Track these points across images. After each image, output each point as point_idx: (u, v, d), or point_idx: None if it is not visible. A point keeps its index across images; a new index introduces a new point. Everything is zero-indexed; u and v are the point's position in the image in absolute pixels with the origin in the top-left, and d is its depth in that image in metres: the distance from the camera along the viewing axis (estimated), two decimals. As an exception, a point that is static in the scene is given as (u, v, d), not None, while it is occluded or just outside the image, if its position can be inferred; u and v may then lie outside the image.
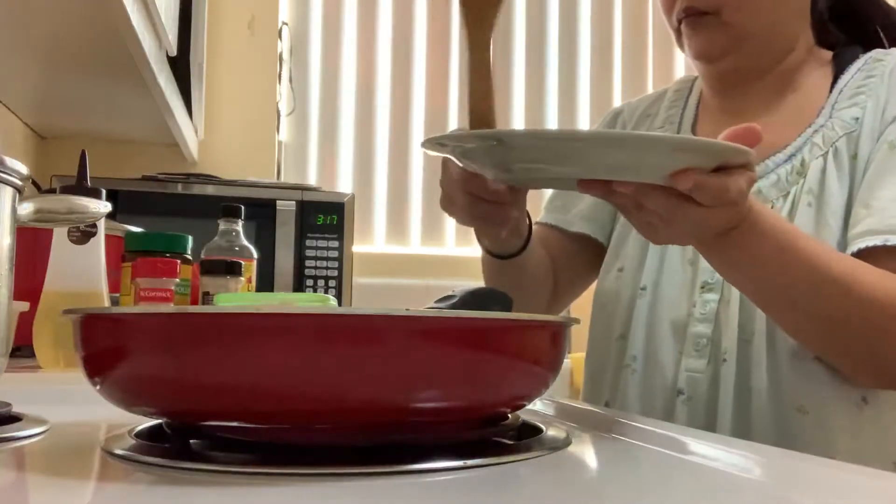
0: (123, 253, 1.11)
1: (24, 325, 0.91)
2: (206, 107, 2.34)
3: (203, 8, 2.22)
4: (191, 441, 0.45)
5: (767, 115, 0.92)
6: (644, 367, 0.91)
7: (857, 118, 0.86)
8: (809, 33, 0.94)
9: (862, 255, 0.77)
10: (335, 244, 1.88)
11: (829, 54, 0.95)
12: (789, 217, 0.84)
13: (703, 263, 0.86)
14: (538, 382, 0.46)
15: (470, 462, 0.40)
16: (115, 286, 1.03)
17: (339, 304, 1.13)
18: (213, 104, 2.36)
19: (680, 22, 0.91)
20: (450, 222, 2.52)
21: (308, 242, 1.87)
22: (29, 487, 0.39)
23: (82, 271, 0.91)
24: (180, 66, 1.89)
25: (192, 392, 0.39)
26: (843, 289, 0.73)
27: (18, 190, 0.56)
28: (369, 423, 0.41)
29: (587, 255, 1.03)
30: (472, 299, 0.73)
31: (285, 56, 2.47)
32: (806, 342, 0.80)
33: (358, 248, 2.05)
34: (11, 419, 0.51)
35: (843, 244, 0.81)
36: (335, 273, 1.87)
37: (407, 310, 0.39)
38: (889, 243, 0.76)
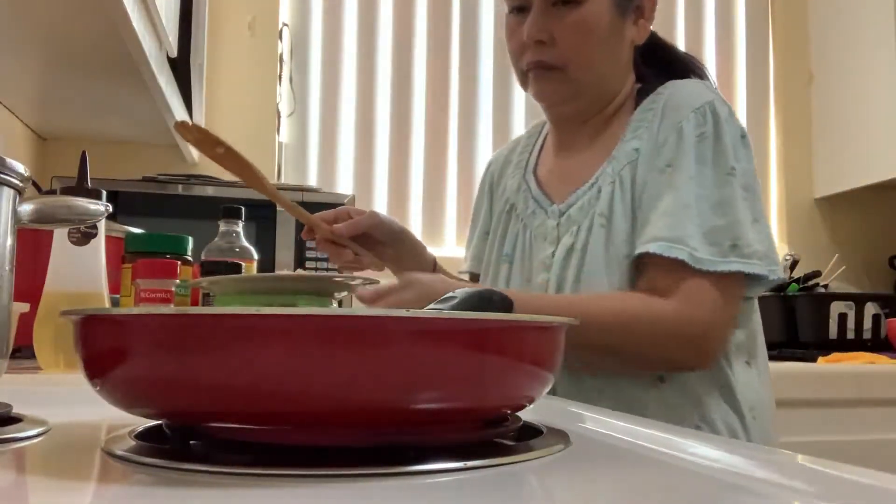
0: (124, 254, 1.11)
1: (25, 327, 0.91)
2: (207, 108, 2.34)
3: (203, 9, 2.22)
4: (191, 442, 0.45)
5: (586, 151, 1.09)
6: None
7: (637, 148, 1.01)
8: (631, 77, 1.11)
9: (638, 264, 0.96)
10: (335, 245, 1.88)
11: (633, 91, 1.10)
12: (587, 236, 1.01)
13: (535, 277, 1.07)
14: (538, 383, 0.46)
15: (470, 463, 0.40)
16: (115, 287, 1.03)
17: (340, 304, 1.14)
18: (214, 105, 2.36)
19: (528, 70, 1.06)
20: (450, 222, 2.52)
21: (308, 243, 1.87)
22: (29, 488, 0.39)
23: (83, 272, 0.91)
24: (180, 67, 1.89)
25: (192, 393, 0.39)
26: (608, 324, 0.92)
27: (19, 191, 0.56)
28: (369, 424, 0.41)
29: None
30: (473, 301, 0.76)
31: (286, 57, 2.47)
32: (606, 368, 0.99)
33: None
34: (12, 420, 0.51)
35: (631, 254, 0.97)
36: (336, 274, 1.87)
37: (407, 311, 0.39)
38: (647, 249, 0.93)
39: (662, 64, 1.13)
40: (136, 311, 0.43)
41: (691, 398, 0.97)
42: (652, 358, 0.96)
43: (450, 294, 0.78)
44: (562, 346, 0.48)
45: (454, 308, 0.72)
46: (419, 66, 2.57)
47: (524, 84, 1.09)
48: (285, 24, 2.48)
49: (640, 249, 0.95)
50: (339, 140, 2.50)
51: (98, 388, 0.43)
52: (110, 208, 0.71)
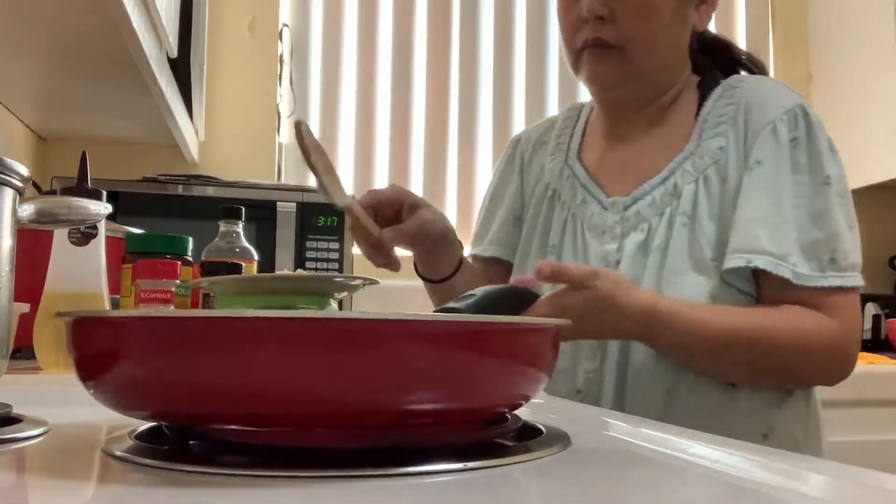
0: (124, 254, 1.11)
1: (25, 327, 0.91)
2: (207, 108, 2.34)
3: (204, 9, 2.22)
4: (191, 443, 0.45)
5: (644, 141, 1.04)
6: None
7: (722, 147, 0.96)
8: (688, 65, 1.06)
9: (731, 273, 0.91)
10: (336, 245, 1.89)
11: (696, 80, 1.06)
12: (667, 235, 0.95)
13: None
14: (533, 383, 0.46)
15: (470, 464, 0.40)
16: (115, 288, 1.03)
17: (340, 306, 1.14)
18: (214, 106, 2.36)
19: (582, 49, 0.99)
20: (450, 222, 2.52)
21: (309, 244, 1.87)
22: (29, 489, 0.39)
23: (83, 273, 0.91)
24: (181, 68, 1.89)
25: (188, 396, 0.39)
26: (751, 342, 0.88)
27: (19, 191, 0.56)
28: (368, 425, 0.41)
29: (500, 274, 1.13)
30: (493, 297, 0.79)
31: (286, 58, 2.47)
32: (731, 380, 0.93)
33: (358, 249, 2.04)
34: (11, 420, 0.51)
35: (715, 259, 0.93)
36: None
37: (401, 314, 0.39)
38: (752, 264, 0.89)
39: (721, 57, 1.09)
40: (127, 313, 0.43)
41: (762, 406, 0.93)
42: (797, 373, 0.92)
43: (469, 293, 0.80)
44: (557, 347, 0.48)
45: (473, 305, 0.76)
46: (419, 65, 2.57)
47: (576, 66, 1.02)
48: (285, 25, 2.48)
49: (744, 262, 0.90)
50: (339, 140, 2.50)
51: (91, 390, 0.43)
52: (110, 208, 0.71)
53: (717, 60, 1.08)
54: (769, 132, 0.94)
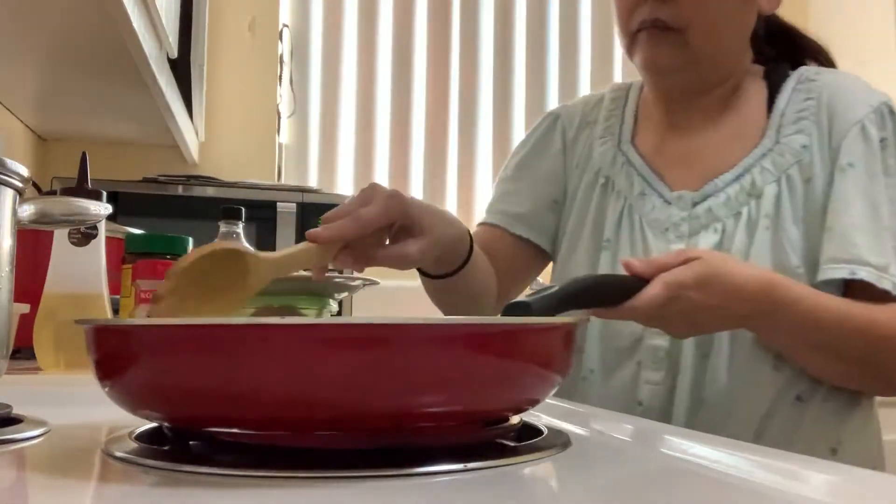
0: (124, 255, 1.11)
1: (25, 327, 0.91)
2: (207, 108, 2.34)
3: (204, 10, 2.22)
4: (191, 443, 0.45)
5: (709, 132, 0.96)
6: (602, 380, 0.93)
7: (806, 145, 0.89)
8: (750, 53, 0.98)
9: (828, 283, 0.84)
10: (336, 246, 1.88)
11: (760, 69, 0.99)
12: (747, 239, 0.87)
13: None
14: (547, 385, 0.46)
15: (471, 465, 0.40)
16: (115, 288, 1.03)
17: (340, 307, 1.13)
18: (214, 106, 2.36)
19: (638, 31, 0.91)
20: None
21: (308, 244, 1.87)
22: (29, 489, 0.39)
23: (83, 273, 0.91)
24: (181, 68, 1.90)
25: (196, 400, 0.40)
26: (864, 333, 0.81)
27: (19, 192, 0.56)
28: (371, 427, 0.41)
29: (526, 257, 1.05)
30: (578, 287, 0.72)
31: (286, 58, 2.47)
32: (831, 379, 0.86)
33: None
34: (12, 421, 0.51)
35: (801, 266, 0.86)
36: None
37: (405, 319, 0.39)
38: (856, 276, 0.82)
39: (786, 45, 1.01)
40: (142, 322, 0.43)
41: (831, 419, 0.87)
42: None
43: (548, 284, 0.73)
44: (572, 349, 0.48)
45: (553, 295, 0.68)
46: (419, 65, 2.58)
47: (631, 49, 0.94)
48: (285, 25, 2.48)
49: (848, 273, 0.83)
50: (339, 141, 2.50)
51: (107, 389, 0.43)
52: (110, 209, 0.71)
53: (780, 49, 1.01)
54: (858, 132, 0.88)
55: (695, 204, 0.92)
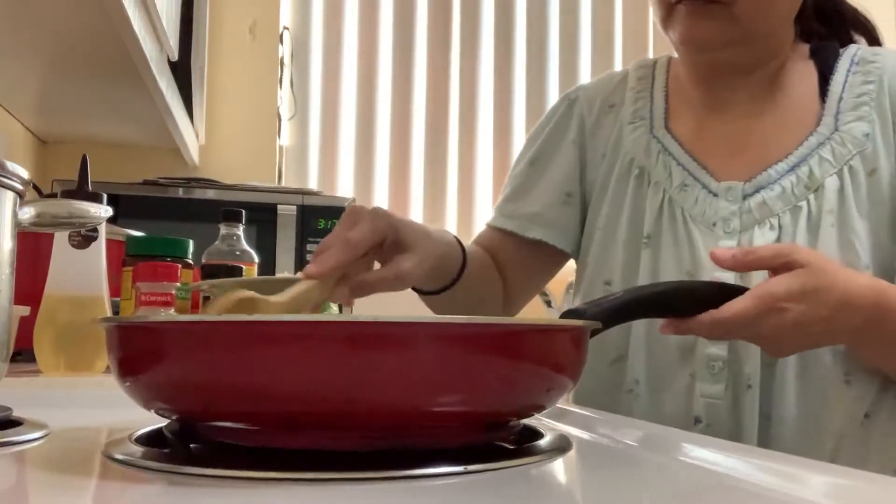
0: (124, 257, 1.11)
1: (25, 330, 0.91)
2: (208, 111, 2.34)
3: (204, 12, 2.23)
4: (191, 446, 0.45)
5: (756, 116, 0.88)
6: (650, 393, 0.84)
7: (868, 133, 0.82)
8: (794, 29, 0.91)
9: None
10: (336, 248, 1.88)
11: (805, 47, 0.92)
12: (810, 236, 0.80)
13: (705, 276, 0.81)
14: (559, 388, 0.45)
15: (471, 467, 0.40)
16: (115, 291, 1.03)
17: (341, 308, 1.13)
18: (215, 108, 2.37)
19: (678, 1, 0.82)
20: (451, 226, 2.52)
21: (309, 247, 1.87)
22: (30, 491, 0.39)
23: (83, 276, 0.91)
24: (181, 71, 1.90)
25: (205, 395, 0.41)
26: None
27: (20, 194, 0.56)
28: (374, 428, 0.41)
29: (541, 259, 0.98)
30: (642, 293, 0.68)
31: (286, 60, 2.47)
32: None
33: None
34: (12, 423, 0.51)
35: (870, 266, 0.79)
36: (336, 277, 1.87)
37: (417, 317, 0.39)
38: None
39: (831, 19, 0.93)
40: (167, 318, 0.44)
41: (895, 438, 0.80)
42: None
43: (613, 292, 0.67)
44: (584, 352, 0.47)
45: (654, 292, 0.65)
46: (420, 69, 2.58)
47: (667, 21, 0.85)
48: (286, 28, 2.49)
49: None
50: (339, 143, 2.50)
51: (127, 385, 0.44)
52: (111, 211, 0.71)
53: (829, 25, 0.93)
54: None
55: (745, 196, 0.83)
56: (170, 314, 0.92)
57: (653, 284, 0.72)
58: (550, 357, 0.44)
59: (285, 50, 2.48)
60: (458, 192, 2.56)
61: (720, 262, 0.70)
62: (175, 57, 1.66)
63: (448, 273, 0.82)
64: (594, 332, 0.53)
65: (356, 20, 2.55)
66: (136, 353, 0.43)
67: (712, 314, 0.67)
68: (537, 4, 2.67)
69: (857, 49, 0.89)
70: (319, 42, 2.52)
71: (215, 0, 2.36)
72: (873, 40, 0.93)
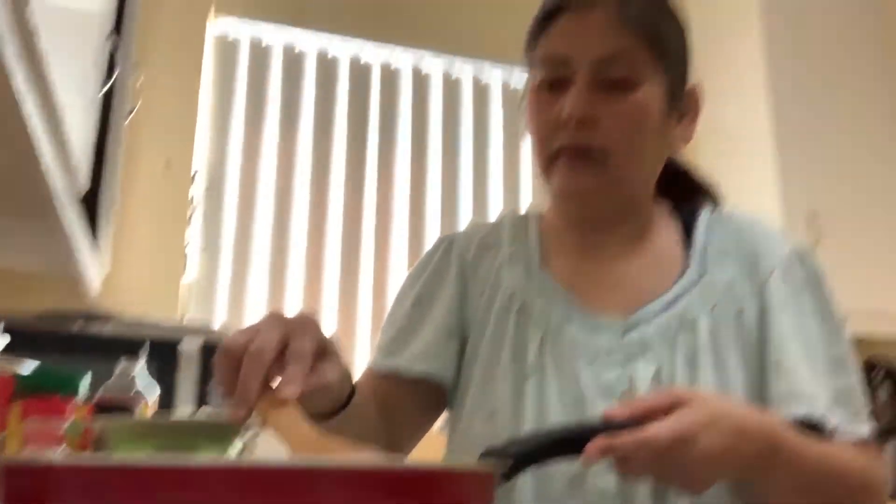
0: (13, 391, 1.07)
1: None
2: (115, 241, 2.31)
3: (119, 146, 2.24)
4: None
5: (628, 260, 0.94)
6: None
7: (733, 279, 0.90)
8: (655, 191, 0.98)
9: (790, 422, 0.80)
10: (239, 386, 1.84)
11: (666, 207, 1.00)
12: (690, 370, 0.85)
13: (590, 406, 0.84)
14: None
15: None
16: (1, 425, 0.99)
17: (244, 448, 1.10)
18: (123, 240, 2.34)
19: (557, 157, 0.89)
20: (362, 364, 2.51)
21: (210, 385, 1.83)
22: None
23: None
24: (90, 199, 1.89)
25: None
26: (839, 474, 0.80)
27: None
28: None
29: (427, 398, 0.96)
30: (564, 432, 0.68)
31: (198, 198, 2.50)
32: None
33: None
34: None
35: (748, 398, 0.84)
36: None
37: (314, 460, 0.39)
38: (815, 413, 0.82)
39: (678, 181, 1.02)
40: (59, 460, 0.43)
41: None
42: None
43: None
44: (491, 498, 0.48)
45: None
46: (335, 208, 2.63)
47: (547, 173, 0.91)
48: (200, 167, 2.52)
49: (806, 410, 0.82)
50: (248, 277, 2.50)
51: None
52: (8, 338, 0.69)
53: (678, 190, 1.02)
54: (781, 274, 0.90)
55: (625, 331, 0.88)
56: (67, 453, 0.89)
57: (569, 423, 0.73)
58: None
59: (198, 188, 2.50)
60: (371, 330, 2.57)
61: (614, 420, 0.70)
62: (84, 191, 1.66)
63: (339, 398, 0.79)
64: (510, 474, 0.54)
65: (274, 159, 2.61)
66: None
67: (634, 433, 0.66)
68: (449, 159, 2.79)
69: (713, 208, 1.00)
70: (235, 183, 2.56)
71: (131, 134, 2.39)
72: (717, 202, 1.03)
